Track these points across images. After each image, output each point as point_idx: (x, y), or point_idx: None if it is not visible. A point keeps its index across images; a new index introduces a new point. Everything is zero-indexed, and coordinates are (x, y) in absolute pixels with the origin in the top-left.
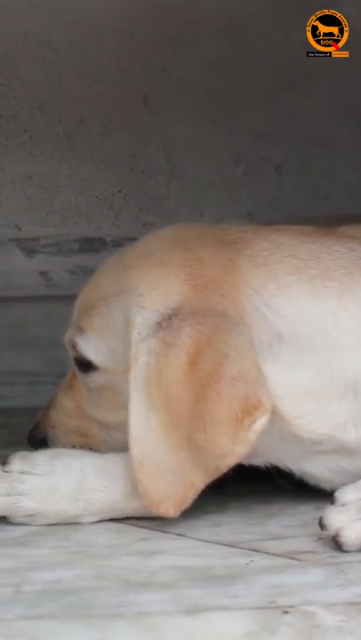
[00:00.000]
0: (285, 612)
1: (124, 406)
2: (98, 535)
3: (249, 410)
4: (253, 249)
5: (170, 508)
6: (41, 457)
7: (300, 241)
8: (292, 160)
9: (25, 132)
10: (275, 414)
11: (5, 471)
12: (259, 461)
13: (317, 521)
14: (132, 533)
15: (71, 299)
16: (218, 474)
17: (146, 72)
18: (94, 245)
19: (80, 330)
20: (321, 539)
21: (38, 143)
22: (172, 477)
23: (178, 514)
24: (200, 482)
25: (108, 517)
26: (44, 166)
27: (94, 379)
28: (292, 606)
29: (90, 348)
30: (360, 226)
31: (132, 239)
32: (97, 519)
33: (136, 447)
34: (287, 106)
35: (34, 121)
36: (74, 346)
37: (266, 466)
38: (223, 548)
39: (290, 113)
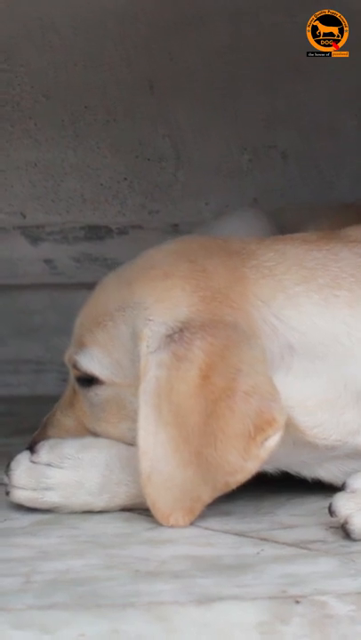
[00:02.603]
0: (297, 602)
1: (128, 418)
2: (106, 524)
3: (262, 426)
4: (259, 259)
5: (179, 520)
6: (69, 449)
7: (306, 249)
8: (298, 147)
9: (30, 118)
10: (288, 425)
11: (33, 461)
12: (269, 468)
13: (327, 510)
14: (141, 522)
15: (76, 287)
16: (227, 490)
17: (151, 58)
18: (99, 233)
19: (83, 346)
20: (331, 528)
21: (43, 130)
22: (179, 492)
23: (187, 524)
24: (208, 496)
25: (128, 507)
26: (49, 153)
27: (98, 392)
28: (303, 596)
29: (94, 362)
30: None
31: (138, 227)
32: (118, 509)
33: (145, 461)
34: (293, 93)
35: (39, 108)
36: (75, 364)
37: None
38: (233, 537)
39: (296, 100)
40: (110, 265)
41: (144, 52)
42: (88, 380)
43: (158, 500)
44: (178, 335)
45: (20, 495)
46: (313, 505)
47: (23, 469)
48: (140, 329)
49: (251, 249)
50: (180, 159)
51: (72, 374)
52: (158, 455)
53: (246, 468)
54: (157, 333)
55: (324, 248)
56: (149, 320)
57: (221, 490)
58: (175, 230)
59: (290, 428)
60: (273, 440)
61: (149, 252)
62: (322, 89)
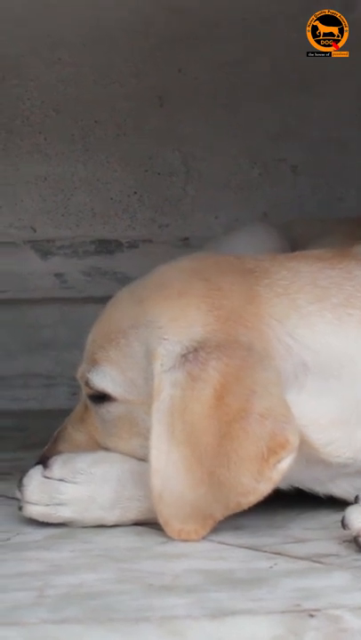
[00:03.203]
0: (311, 616)
1: (139, 435)
2: (119, 538)
3: (275, 449)
4: (272, 277)
5: (192, 534)
6: (81, 464)
7: (319, 267)
8: (308, 161)
9: (40, 133)
10: (302, 442)
11: (46, 477)
12: (282, 485)
13: (340, 523)
14: (153, 536)
15: (86, 301)
16: (238, 510)
17: (161, 73)
18: (110, 247)
19: (95, 363)
20: (344, 542)
21: (53, 144)
22: (191, 509)
23: (199, 539)
24: (220, 514)
25: (141, 522)
26: (59, 167)
27: (110, 409)
28: (317, 610)
29: (107, 380)
30: None
31: (148, 241)
32: (130, 524)
33: (156, 480)
34: (302, 107)
35: (49, 122)
36: (87, 382)
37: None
38: (246, 551)
39: (305, 114)
40: (120, 279)
41: (153, 66)
42: (100, 397)
43: (170, 516)
44: (193, 355)
45: (32, 510)
46: (326, 519)
47: (36, 485)
48: (154, 347)
49: (264, 267)
50: (189, 173)
51: (84, 390)
52: (170, 474)
53: (259, 490)
54: (172, 352)
55: (337, 266)
56: (164, 339)
57: (233, 509)
58: (185, 244)
59: (303, 445)
60: (286, 462)
61: (162, 268)
62: (331, 103)
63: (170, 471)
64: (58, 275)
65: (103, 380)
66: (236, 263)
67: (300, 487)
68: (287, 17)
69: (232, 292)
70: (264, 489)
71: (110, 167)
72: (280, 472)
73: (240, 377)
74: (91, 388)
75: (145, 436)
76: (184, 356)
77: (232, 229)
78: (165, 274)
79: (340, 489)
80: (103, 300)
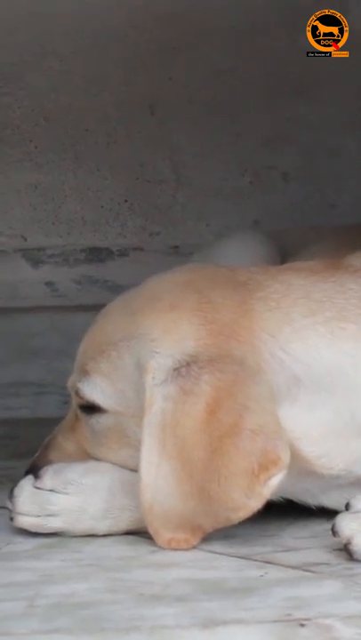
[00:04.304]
0: (302, 625)
1: (129, 446)
2: (109, 548)
3: (267, 465)
4: (265, 291)
5: (182, 543)
6: (72, 474)
7: (312, 281)
8: (299, 168)
9: (30, 141)
10: (294, 455)
11: (37, 487)
12: (274, 497)
13: (330, 532)
14: (144, 545)
15: (77, 309)
16: (228, 524)
17: (151, 81)
18: (100, 255)
19: (86, 374)
20: (335, 550)
21: (44, 153)
22: (180, 521)
23: (190, 547)
24: (209, 527)
25: (132, 531)
26: (49, 176)
27: (100, 420)
28: (308, 619)
29: (97, 391)
30: None
31: (139, 249)
32: (122, 533)
33: (146, 493)
34: (293, 114)
35: (39, 130)
36: (78, 392)
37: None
38: (237, 560)
39: (296, 121)
40: (111, 287)
41: (144, 74)
42: (90, 408)
43: (159, 528)
44: (185, 369)
45: (23, 521)
46: (317, 527)
47: (27, 496)
48: (146, 360)
49: (257, 280)
50: (180, 181)
51: (74, 400)
52: (160, 487)
53: (249, 506)
54: (164, 366)
55: (330, 279)
56: (156, 352)
57: (223, 524)
58: (176, 252)
59: (296, 458)
60: (277, 479)
61: (154, 280)
62: (322, 110)
63: (160, 484)
64: (48, 283)
65: (94, 391)
66: (228, 275)
67: (292, 499)
68: (277, 25)
69: (224, 306)
70: (254, 505)
71: (101, 175)
72: (270, 488)
73: (232, 392)
74: (81, 398)
75: (135, 446)
76: (176, 369)
77: (223, 237)
78: (158, 286)
79: (331, 500)
80: (94, 309)
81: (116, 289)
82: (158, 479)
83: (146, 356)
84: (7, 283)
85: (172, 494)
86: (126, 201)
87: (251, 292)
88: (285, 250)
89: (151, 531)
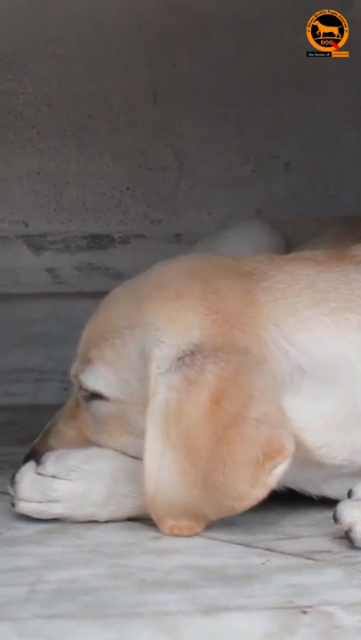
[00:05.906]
0: (304, 613)
1: (131, 433)
2: (111, 534)
3: (271, 454)
4: (270, 281)
5: (184, 530)
6: (74, 461)
7: (317, 271)
8: (302, 158)
9: (33, 127)
10: (297, 444)
11: (39, 473)
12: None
13: (332, 519)
14: (146, 532)
15: (78, 296)
16: (232, 513)
17: (155, 68)
18: (102, 242)
19: (89, 362)
20: (337, 538)
21: (46, 139)
22: (184, 510)
23: (192, 534)
24: (213, 516)
25: (134, 518)
26: (51, 162)
27: (101, 408)
28: (310, 606)
29: (100, 380)
30: None
31: (140, 236)
32: (123, 520)
33: (150, 483)
34: (297, 103)
35: (42, 117)
36: (79, 379)
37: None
38: (238, 547)
39: (299, 110)
40: (112, 274)
41: (147, 62)
42: (92, 395)
43: (163, 517)
44: (190, 358)
45: (25, 507)
46: (318, 515)
47: (29, 482)
48: (150, 349)
49: (262, 269)
50: (182, 169)
51: (76, 387)
52: (164, 477)
53: (253, 495)
54: (169, 355)
55: (335, 270)
56: (160, 341)
57: (227, 513)
58: (177, 240)
59: (298, 447)
60: (281, 467)
61: (160, 268)
62: (326, 100)
63: (164, 474)
64: (50, 270)
65: (97, 379)
66: (234, 265)
67: (294, 488)
68: (282, 13)
69: (230, 296)
70: (259, 494)
71: (103, 162)
72: (275, 477)
73: (237, 381)
74: (83, 385)
75: (137, 434)
76: (181, 359)
77: (228, 226)
78: (163, 274)
79: (333, 490)
80: (95, 296)
81: (118, 276)
82: (162, 469)
83: (150, 345)
84: (8, 269)
85: (176, 484)
86: (128, 188)
87: (256, 281)
88: (290, 239)
89: (155, 518)
